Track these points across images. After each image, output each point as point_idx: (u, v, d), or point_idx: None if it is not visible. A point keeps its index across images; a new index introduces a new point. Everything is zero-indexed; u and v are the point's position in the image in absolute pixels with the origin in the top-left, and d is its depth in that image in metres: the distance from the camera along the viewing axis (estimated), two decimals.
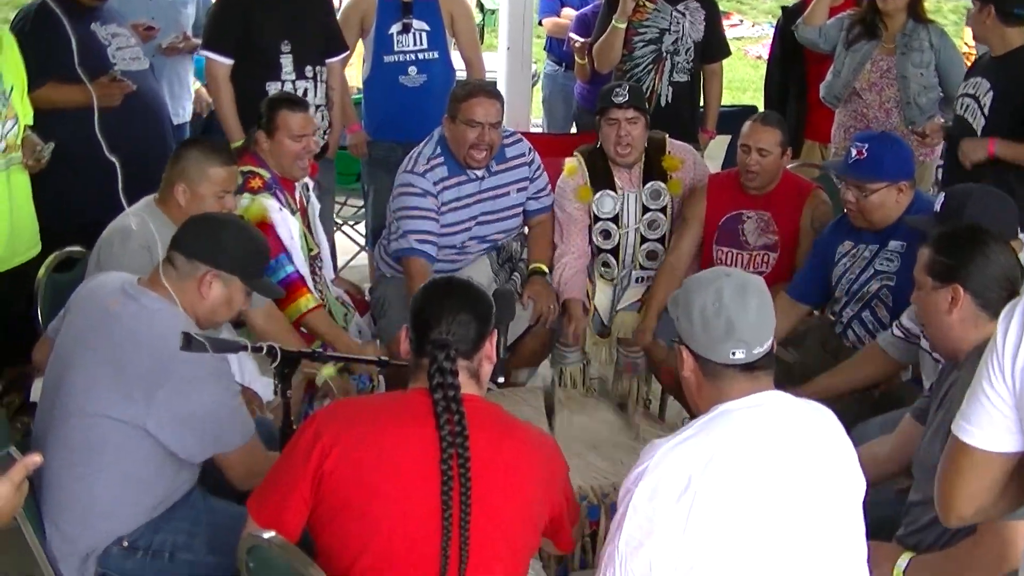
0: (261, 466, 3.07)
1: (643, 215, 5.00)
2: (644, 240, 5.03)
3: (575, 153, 5.08)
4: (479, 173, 4.82)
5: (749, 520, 2.42)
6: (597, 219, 5.00)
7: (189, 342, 2.97)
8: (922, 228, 3.72)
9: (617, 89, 4.87)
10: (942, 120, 5.47)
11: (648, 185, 4.98)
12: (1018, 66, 4.97)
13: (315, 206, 4.81)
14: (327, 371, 3.97)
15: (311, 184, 4.77)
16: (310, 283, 4.49)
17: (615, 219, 5.00)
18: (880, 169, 4.20)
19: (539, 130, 8.15)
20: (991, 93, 5.00)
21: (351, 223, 7.71)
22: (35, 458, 2.00)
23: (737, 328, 2.50)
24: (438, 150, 4.79)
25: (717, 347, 2.52)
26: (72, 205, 4.85)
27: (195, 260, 3.24)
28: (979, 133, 5.01)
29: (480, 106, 4.64)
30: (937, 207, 3.77)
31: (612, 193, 4.98)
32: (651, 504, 2.42)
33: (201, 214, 3.49)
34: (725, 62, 6.35)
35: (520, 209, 5.03)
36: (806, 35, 6.09)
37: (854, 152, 4.26)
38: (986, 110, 5.01)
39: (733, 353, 2.51)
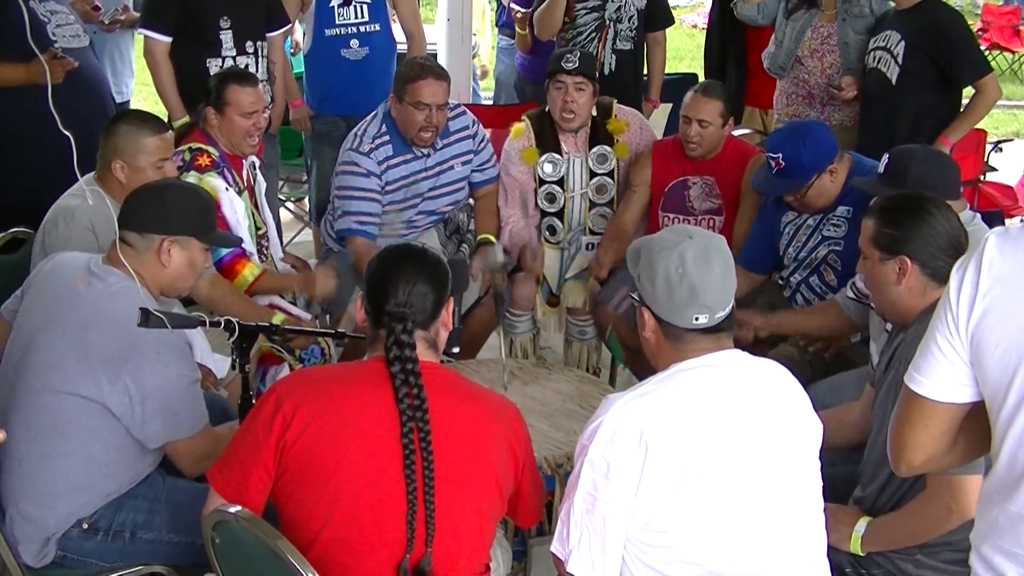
0: (210, 455, 3.05)
1: (590, 180, 5.02)
2: (593, 205, 5.05)
3: (523, 117, 5.08)
4: (425, 150, 4.81)
5: (702, 475, 2.45)
6: (542, 182, 5.01)
7: (147, 318, 2.94)
8: (869, 190, 3.76)
9: (568, 55, 4.89)
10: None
11: (594, 149, 5.00)
12: (926, 16, 5.22)
13: (261, 184, 4.77)
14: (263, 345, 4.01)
15: (257, 162, 4.74)
16: (256, 260, 4.47)
17: (560, 183, 5.01)
18: (802, 169, 4.23)
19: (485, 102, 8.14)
20: (903, 43, 5.22)
21: (294, 199, 7.67)
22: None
23: (700, 294, 2.52)
24: (383, 128, 4.76)
25: (680, 312, 2.54)
26: (16, 185, 4.81)
27: (147, 233, 3.22)
28: (894, 82, 5.26)
29: (428, 88, 4.61)
30: (881, 168, 3.81)
31: (557, 156, 4.99)
32: (605, 458, 2.45)
33: (139, 187, 3.43)
34: None
35: (465, 182, 5.03)
36: (745, 12, 6.13)
37: (773, 165, 4.27)
38: (899, 59, 5.23)
39: (696, 318, 2.53)
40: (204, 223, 3.38)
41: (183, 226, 3.27)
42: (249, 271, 4.36)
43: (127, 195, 3.40)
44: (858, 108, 5.58)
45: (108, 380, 3.02)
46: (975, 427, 2.11)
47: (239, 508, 2.53)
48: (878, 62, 5.33)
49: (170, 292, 3.29)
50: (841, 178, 4.26)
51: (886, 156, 3.82)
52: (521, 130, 5.06)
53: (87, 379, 3.03)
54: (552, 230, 5.09)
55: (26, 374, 3.13)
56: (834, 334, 4.16)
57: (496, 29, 8.11)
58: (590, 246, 5.08)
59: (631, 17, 5.97)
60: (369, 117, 4.84)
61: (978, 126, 5.74)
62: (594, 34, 5.95)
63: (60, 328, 3.11)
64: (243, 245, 4.37)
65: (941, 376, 2.08)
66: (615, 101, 5.11)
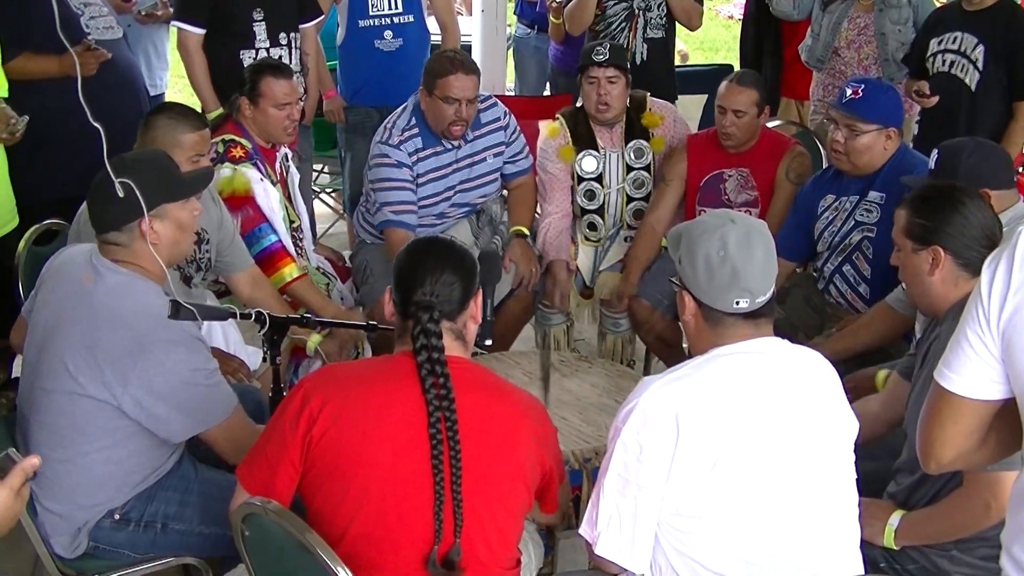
0: (249, 438, 3.01)
1: (627, 174, 5.00)
2: (630, 199, 5.04)
3: (557, 116, 5.07)
4: (455, 143, 4.80)
5: (736, 462, 2.44)
6: (581, 179, 5.00)
7: (177, 310, 2.91)
8: (919, 187, 3.72)
9: (598, 48, 4.88)
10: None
11: (631, 144, 4.99)
12: (1004, 20, 5.11)
13: (294, 176, 4.77)
14: (314, 339, 3.97)
15: (290, 154, 4.73)
16: (299, 262, 4.47)
17: (599, 179, 5.00)
18: (875, 110, 4.22)
19: (512, 93, 8.11)
20: (982, 47, 5.11)
21: (328, 191, 7.67)
22: (33, 460, 1.96)
23: (742, 278, 2.51)
24: (412, 120, 4.75)
25: (721, 296, 2.53)
26: (51, 178, 4.82)
27: (123, 225, 3.09)
28: (973, 88, 5.15)
29: (458, 82, 4.59)
30: (932, 164, 3.76)
31: (595, 152, 4.98)
32: (638, 441, 2.44)
33: (91, 187, 3.18)
34: None
35: (497, 174, 5.00)
36: (781, 7, 6.13)
37: (849, 91, 4.27)
38: (980, 64, 5.12)
39: (737, 302, 2.52)
40: (167, 185, 3.20)
41: (150, 200, 3.08)
42: (288, 270, 4.36)
43: (87, 198, 3.24)
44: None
45: (119, 383, 2.97)
46: (1006, 425, 2.07)
47: (268, 501, 2.52)
48: (951, 67, 5.21)
49: (175, 259, 3.22)
50: (889, 151, 4.27)
51: (935, 152, 3.78)
52: (556, 129, 5.05)
53: (97, 382, 2.99)
54: (593, 227, 5.08)
55: (42, 375, 3.11)
56: (892, 337, 4.06)
57: (515, 18, 8.08)
58: (627, 239, 5.07)
59: (660, 4, 5.93)
60: (399, 109, 4.82)
61: None
62: (624, 24, 5.92)
63: (70, 329, 3.05)
64: (283, 241, 4.37)
65: (971, 372, 2.04)
66: (648, 95, 5.09)
